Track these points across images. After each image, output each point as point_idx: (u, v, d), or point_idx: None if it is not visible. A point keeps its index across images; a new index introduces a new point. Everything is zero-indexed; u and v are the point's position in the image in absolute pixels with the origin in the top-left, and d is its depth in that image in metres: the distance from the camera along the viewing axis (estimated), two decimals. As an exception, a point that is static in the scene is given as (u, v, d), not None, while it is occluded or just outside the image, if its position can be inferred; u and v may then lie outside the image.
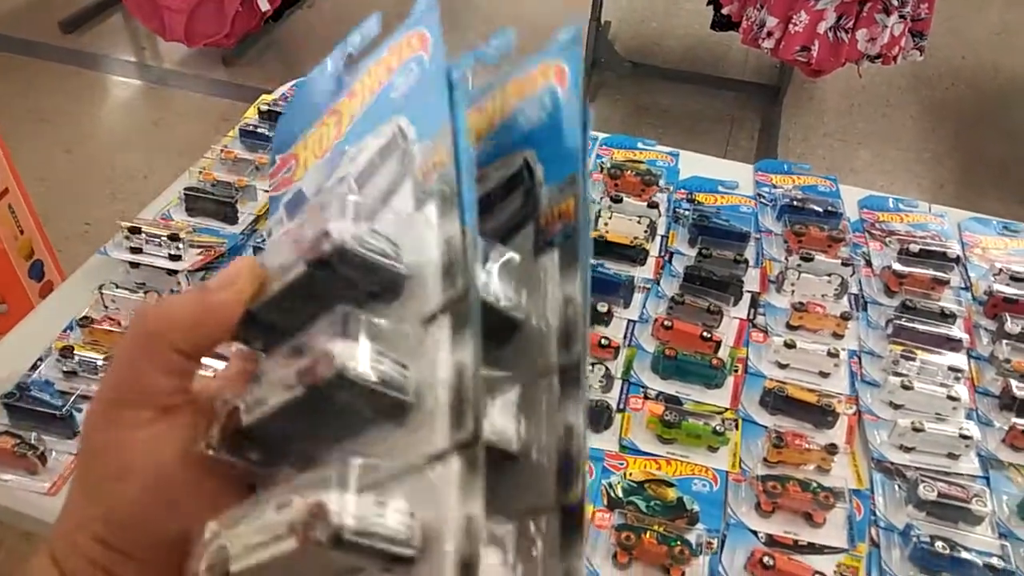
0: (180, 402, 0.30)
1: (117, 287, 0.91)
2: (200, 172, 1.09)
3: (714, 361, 0.86)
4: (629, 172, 1.11)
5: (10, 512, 0.76)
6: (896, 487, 0.78)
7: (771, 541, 0.74)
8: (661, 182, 1.12)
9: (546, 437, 0.27)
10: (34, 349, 0.87)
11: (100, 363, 0.84)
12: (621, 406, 0.85)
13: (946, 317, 0.93)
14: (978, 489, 0.76)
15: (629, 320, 0.94)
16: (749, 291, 0.98)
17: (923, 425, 0.81)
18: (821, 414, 0.83)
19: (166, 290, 0.94)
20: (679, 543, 0.71)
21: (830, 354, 0.88)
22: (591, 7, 2.61)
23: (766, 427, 0.83)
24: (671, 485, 0.77)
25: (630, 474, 0.78)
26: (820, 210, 1.07)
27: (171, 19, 2.58)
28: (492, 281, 0.29)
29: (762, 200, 1.12)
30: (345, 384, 0.25)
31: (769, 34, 2.19)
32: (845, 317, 0.93)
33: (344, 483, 0.23)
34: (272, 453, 0.28)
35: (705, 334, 0.88)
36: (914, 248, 1.01)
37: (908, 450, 0.81)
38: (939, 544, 0.71)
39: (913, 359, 0.88)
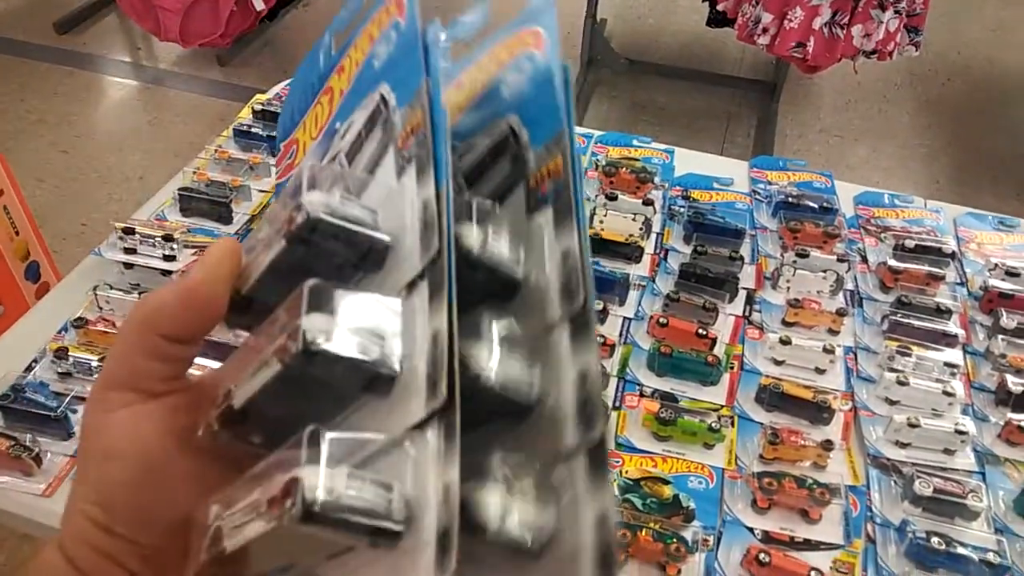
0: (167, 388, 0.30)
1: (111, 288, 0.91)
2: (194, 172, 1.09)
3: (710, 358, 0.86)
4: (624, 169, 1.11)
5: (5, 514, 0.76)
6: (892, 483, 0.79)
7: (767, 538, 0.74)
8: (656, 179, 1.12)
9: (562, 384, 0.26)
10: (29, 350, 0.87)
11: (95, 364, 0.84)
12: (617, 403, 0.85)
13: (942, 313, 0.93)
14: (974, 485, 0.76)
15: (624, 318, 0.94)
16: (745, 288, 0.98)
17: (919, 421, 0.81)
18: (817, 410, 0.83)
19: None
20: (675, 540, 0.71)
21: (826, 350, 0.88)
22: (587, 4, 2.61)
23: (762, 424, 0.83)
24: (667, 482, 0.77)
25: (626, 471, 0.78)
26: (815, 206, 1.07)
27: (166, 19, 2.57)
28: (487, 238, 0.28)
29: (757, 197, 1.12)
30: (316, 358, 0.24)
31: (764, 30, 2.19)
32: (841, 313, 0.93)
33: (316, 457, 0.23)
34: (272, 434, 0.27)
35: (701, 331, 0.88)
36: (910, 244, 1.01)
37: (904, 446, 0.81)
38: (935, 540, 0.71)
39: (909, 355, 0.88)
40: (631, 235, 1.01)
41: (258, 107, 1.21)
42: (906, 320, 0.91)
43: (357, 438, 0.24)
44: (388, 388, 0.25)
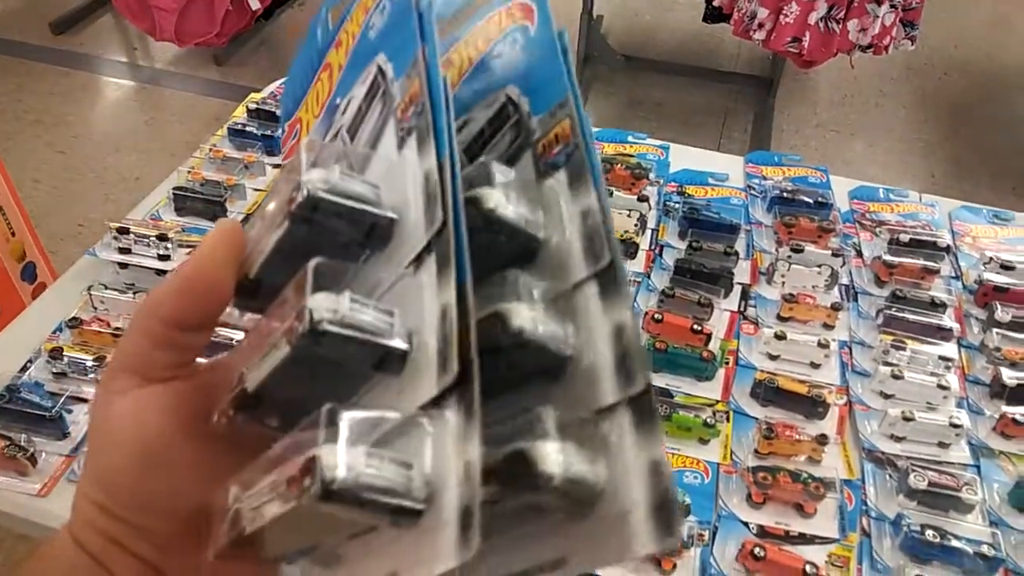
0: (172, 375, 0.29)
1: (106, 288, 0.91)
2: (189, 171, 1.09)
3: (705, 354, 0.86)
4: (619, 166, 1.11)
5: (1, 515, 0.76)
6: (887, 476, 0.79)
7: (762, 532, 0.74)
8: (651, 175, 1.12)
9: (596, 341, 0.26)
10: (24, 351, 0.87)
11: (89, 364, 0.84)
12: (612, 400, 0.85)
13: (936, 306, 0.93)
14: (968, 478, 0.77)
15: (620, 314, 0.94)
16: (739, 283, 0.98)
17: (914, 414, 0.81)
18: (812, 405, 0.83)
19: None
20: (670, 535, 0.71)
21: (820, 345, 0.88)
22: (583, 1, 2.60)
23: (757, 419, 0.83)
24: (662, 478, 0.77)
25: (621, 467, 0.78)
26: (810, 201, 1.07)
27: (161, 19, 2.57)
28: (507, 199, 0.27)
29: (752, 192, 1.12)
30: (324, 338, 0.24)
31: (760, 25, 2.19)
32: (836, 308, 0.93)
33: (334, 436, 0.22)
34: (288, 416, 0.27)
35: (696, 327, 0.88)
36: (904, 238, 1.01)
37: (899, 439, 0.82)
38: (930, 533, 0.71)
39: (903, 349, 0.88)
40: (626, 231, 1.01)
41: (252, 106, 1.21)
42: (901, 314, 0.92)
43: (375, 417, 0.24)
44: (400, 366, 0.25)
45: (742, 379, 0.87)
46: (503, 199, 0.27)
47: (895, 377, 0.85)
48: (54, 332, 0.89)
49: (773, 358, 0.89)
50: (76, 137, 2.56)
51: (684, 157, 1.19)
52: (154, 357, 0.29)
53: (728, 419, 0.84)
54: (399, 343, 0.24)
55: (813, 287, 0.96)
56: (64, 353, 0.84)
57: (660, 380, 0.87)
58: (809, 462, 0.79)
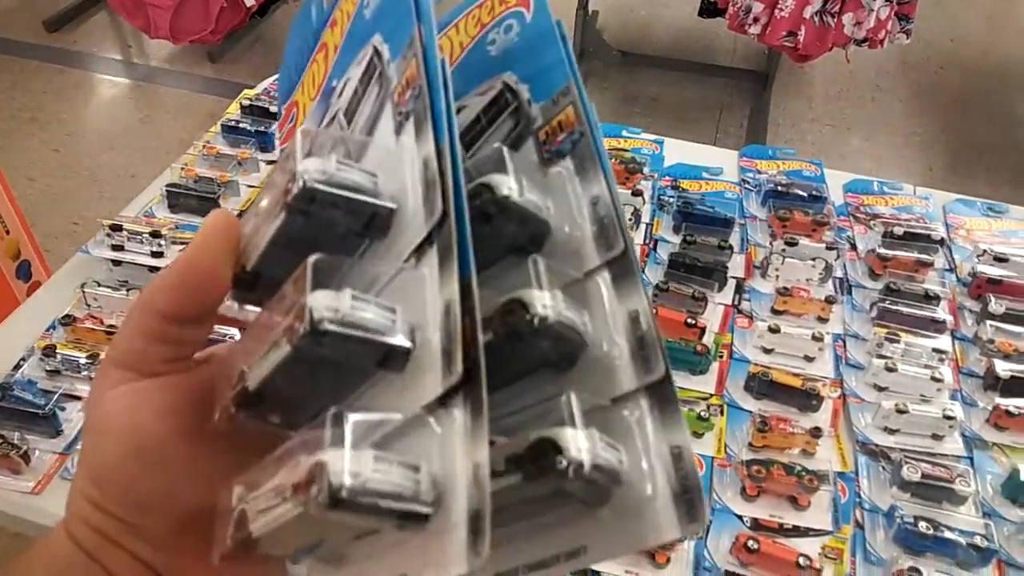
0: (168, 369, 0.29)
1: (99, 285, 0.91)
2: (182, 168, 1.08)
3: (699, 347, 0.86)
4: (614, 160, 1.11)
5: (-6, 512, 0.76)
6: (881, 469, 0.79)
7: (756, 525, 0.74)
8: (646, 169, 1.12)
9: (611, 329, 0.26)
10: (17, 348, 0.87)
11: (83, 361, 0.84)
12: (606, 394, 0.85)
13: (930, 299, 0.93)
14: (962, 469, 0.77)
15: (614, 308, 0.94)
16: (734, 277, 0.98)
17: (907, 407, 0.81)
18: (806, 398, 0.83)
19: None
20: (664, 529, 0.71)
21: (815, 338, 0.88)
22: (578, -4, 2.60)
23: (751, 412, 0.83)
24: (656, 471, 0.77)
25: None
26: (804, 195, 1.07)
27: (156, 16, 2.56)
28: (516, 187, 0.27)
29: (747, 186, 1.12)
30: (325, 338, 0.23)
31: (755, 20, 2.19)
32: (830, 301, 0.93)
33: (340, 440, 0.22)
34: (291, 413, 0.27)
35: (690, 320, 0.88)
36: (898, 231, 1.01)
37: (892, 432, 0.82)
38: (923, 524, 0.71)
39: (897, 341, 0.88)
40: (620, 226, 1.01)
41: (246, 102, 1.21)
42: (895, 307, 0.92)
43: (381, 418, 0.23)
44: (402, 363, 0.24)
45: (736, 372, 0.87)
46: (517, 186, 0.27)
47: (889, 370, 0.85)
48: (47, 330, 0.89)
49: (767, 351, 0.89)
50: (70, 135, 2.55)
51: (678, 151, 1.19)
52: (149, 352, 0.29)
53: (722, 412, 0.84)
54: (402, 340, 0.24)
55: (807, 280, 0.96)
56: (57, 351, 0.84)
57: (654, 374, 0.87)
58: (803, 455, 0.79)
